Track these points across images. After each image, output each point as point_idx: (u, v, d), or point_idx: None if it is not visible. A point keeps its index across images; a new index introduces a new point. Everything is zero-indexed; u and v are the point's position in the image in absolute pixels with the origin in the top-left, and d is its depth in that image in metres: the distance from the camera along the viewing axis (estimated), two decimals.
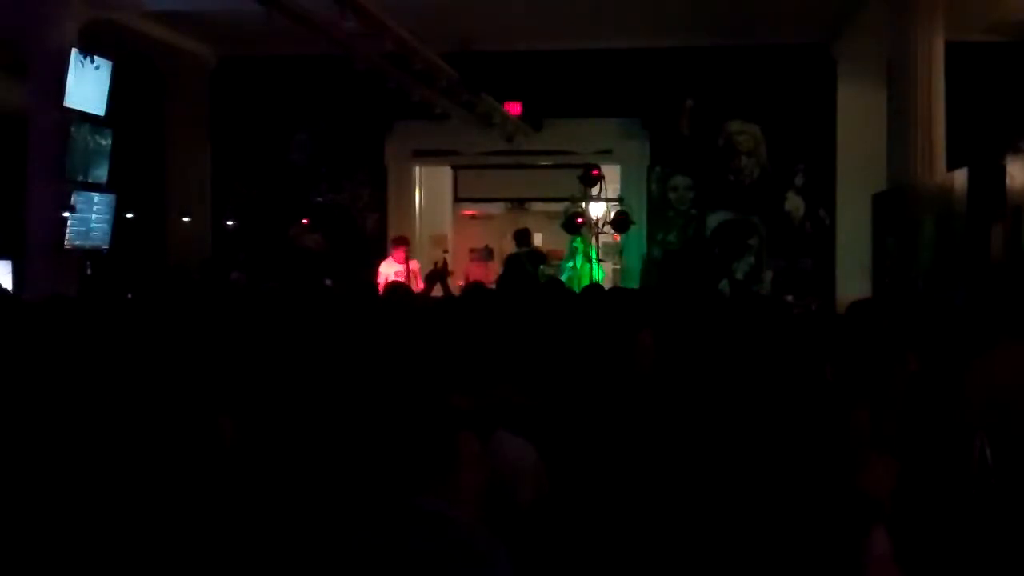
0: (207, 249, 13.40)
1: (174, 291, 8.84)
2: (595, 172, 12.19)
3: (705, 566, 2.24)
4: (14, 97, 11.04)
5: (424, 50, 9.60)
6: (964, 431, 3.25)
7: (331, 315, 5.45)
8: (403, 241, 11.56)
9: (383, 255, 11.77)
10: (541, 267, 11.95)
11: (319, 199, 13.71)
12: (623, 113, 13.19)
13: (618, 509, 2.76)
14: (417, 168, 14.31)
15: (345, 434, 2.83)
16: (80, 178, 10.50)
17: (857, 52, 11.99)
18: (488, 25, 11.84)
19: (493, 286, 7.74)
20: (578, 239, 12.18)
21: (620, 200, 12.80)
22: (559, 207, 13.10)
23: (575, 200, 12.32)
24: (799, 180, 13.04)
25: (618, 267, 13.95)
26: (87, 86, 10.45)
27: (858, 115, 12.05)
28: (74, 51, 10.21)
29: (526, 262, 11.62)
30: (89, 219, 10.66)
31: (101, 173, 10.85)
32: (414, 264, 11.37)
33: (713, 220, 13.16)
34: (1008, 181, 7.62)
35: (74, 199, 10.33)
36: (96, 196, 10.80)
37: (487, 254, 13.47)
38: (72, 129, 10.26)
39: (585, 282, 10.95)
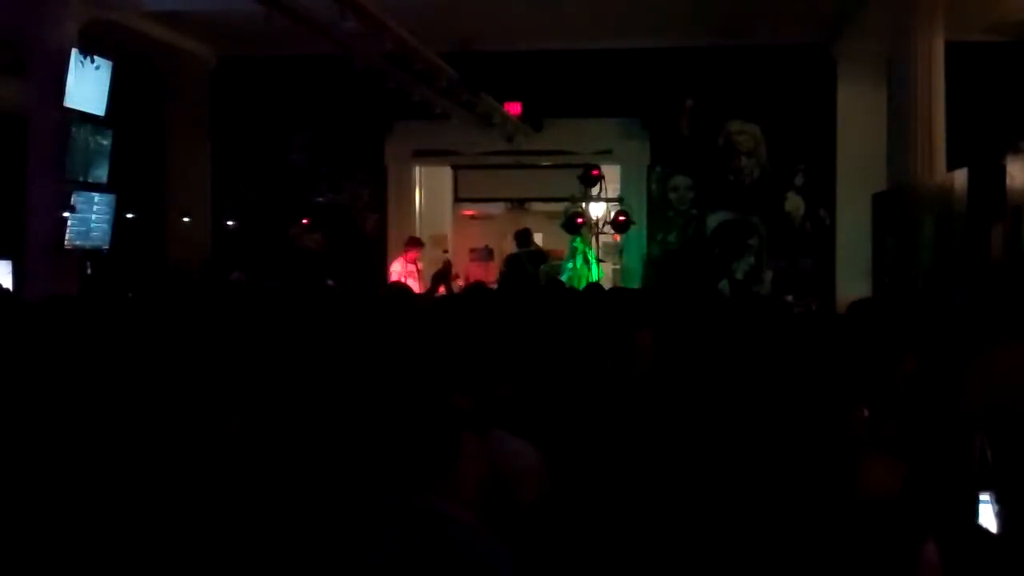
0: (207, 249, 13.40)
1: (174, 291, 8.84)
2: (595, 172, 12.22)
3: (706, 566, 2.24)
4: (14, 97, 11.04)
5: (424, 50, 9.60)
6: (964, 431, 3.25)
7: (332, 315, 5.46)
8: (419, 243, 11.74)
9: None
10: (541, 267, 11.97)
11: (319, 199, 13.71)
12: (623, 113, 13.19)
13: (619, 509, 2.76)
14: (417, 168, 14.31)
15: (346, 434, 2.83)
16: (80, 178, 10.49)
17: (857, 52, 12.00)
18: (488, 25, 11.84)
19: (494, 286, 7.76)
20: (578, 239, 12.19)
21: (620, 200, 12.82)
22: (559, 207, 13.11)
23: (575, 200, 12.34)
24: (799, 180, 13.04)
25: (618, 267, 13.94)
26: (87, 86, 10.44)
27: (858, 115, 12.07)
28: (74, 51, 10.20)
29: (527, 262, 11.66)
30: (89, 219, 10.65)
31: (101, 173, 10.84)
32: (420, 264, 11.49)
33: (713, 220, 13.17)
34: (1008, 181, 7.62)
35: (74, 199, 10.32)
36: (96, 196, 10.78)
37: (487, 254, 13.50)
38: (72, 129, 10.25)
39: (585, 282, 10.96)
